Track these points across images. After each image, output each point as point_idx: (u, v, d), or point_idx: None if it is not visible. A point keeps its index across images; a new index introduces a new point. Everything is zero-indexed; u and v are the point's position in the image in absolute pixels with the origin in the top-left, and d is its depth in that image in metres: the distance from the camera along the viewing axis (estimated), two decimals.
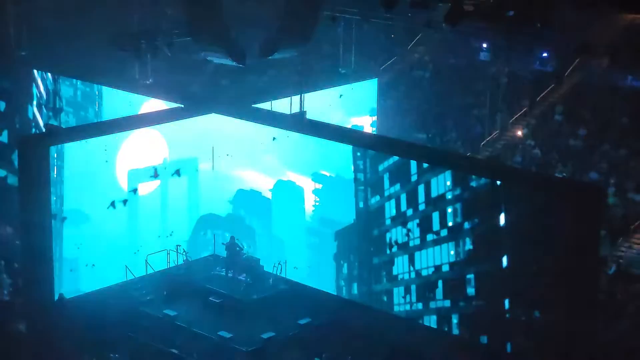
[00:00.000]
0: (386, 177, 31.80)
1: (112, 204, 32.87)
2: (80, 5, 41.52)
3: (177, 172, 35.29)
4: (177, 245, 34.20)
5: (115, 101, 37.75)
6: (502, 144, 41.22)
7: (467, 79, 43.17)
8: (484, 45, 43.25)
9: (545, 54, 42.02)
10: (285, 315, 31.46)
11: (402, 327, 30.66)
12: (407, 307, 31.26)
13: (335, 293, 33.19)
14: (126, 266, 32.53)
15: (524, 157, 39.74)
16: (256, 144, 34.98)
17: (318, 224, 33.90)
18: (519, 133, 41.19)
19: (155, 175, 34.60)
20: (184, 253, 34.30)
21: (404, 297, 31.30)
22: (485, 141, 41.21)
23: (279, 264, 33.52)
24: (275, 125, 33.83)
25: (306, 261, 33.88)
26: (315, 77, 39.77)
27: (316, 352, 29.70)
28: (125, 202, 33.32)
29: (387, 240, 31.63)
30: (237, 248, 33.78)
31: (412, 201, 30.86)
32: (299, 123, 33.64)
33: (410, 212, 30.99)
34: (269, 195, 35.32)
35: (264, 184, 35.28)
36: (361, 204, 32.44)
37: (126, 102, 37.33)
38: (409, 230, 30.74)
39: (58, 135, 32.50)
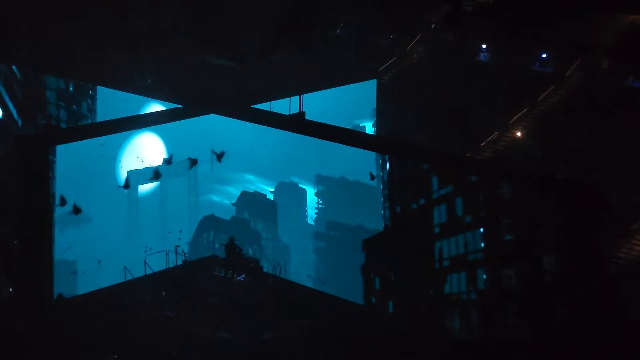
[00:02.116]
0: (434, 176, 28.22)
1: (126, 185, 32.44)
2: (80, 6, 41.48)
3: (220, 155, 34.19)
4: (176, 246, 34.10)
5: (110, 95, 37.45)
6: (502, 144, 41.13)
7: (467, 80, 43.08)
8: (484, 45, 43.21)
9: (545, 55, 41.97)
10: (284, 317, 31.34)
11: (402, 329, 30.52)
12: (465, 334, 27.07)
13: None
14: (125, 267, 32.44)
15: (524, 157, 39.64)
16: (256, 144, 34.89)
17: (325, 228, 33.03)
18: (519, 134, 41.11)
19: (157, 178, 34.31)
20: (183, 254, 34.19)
21: (461, 322, 27.34)
22: (485, 142, 41.13)
23: (278, 265, 33.40)
24: (275, 125, 33.72)
25: (315, 268, 33.19)
26: (315, 78, 39.70)
27: (316, 353, 29.59)
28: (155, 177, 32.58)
29: (437, 252, 27.88)
30: (236, 249, 33.68)
31: (472, 205, 26.89)
32: (298, 124, 33.57)
33: (469, 219, 27.10)
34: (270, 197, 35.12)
35: (265, 186, 35.06)
36: (398, 208, 29.37)
37: (121, 97, 36.93)
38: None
39: (58, 135, 32.44)
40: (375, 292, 30.42)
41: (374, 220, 31.83)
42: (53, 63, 41.08)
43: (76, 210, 31.63)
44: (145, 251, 32.99)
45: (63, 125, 40.67)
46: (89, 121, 39.70)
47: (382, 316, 30.28)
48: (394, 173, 30.05)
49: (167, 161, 34.99)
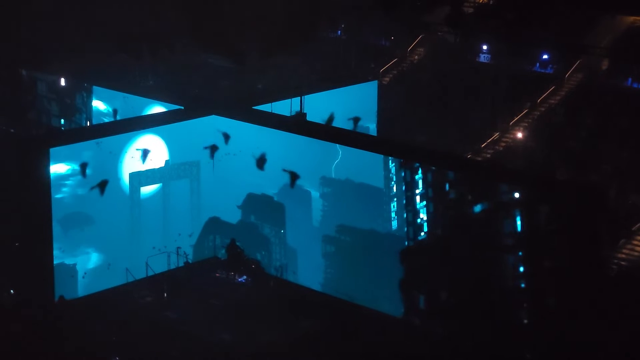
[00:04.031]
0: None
1: (145, 155, 32.10)
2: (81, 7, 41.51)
3: None
4: (177, 248, 34.11)
5: (105, 89, 37.17)
6: (502, 145, 41.20)
7: (468, 81, 43.13)
8: (484, 47, 43.28)
9: (545, 56, 42.05)
10: (286, 318, 31.33)
11: (403, 330, 30.50)
12: None
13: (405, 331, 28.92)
14: (127, 269, 32.48)
15: (524, 158, 39.68)
16: (258, 145, 34.73)
17: (335, 231, 32.45)
18: (520, 135, 41.18)
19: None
20: (185, 255, 34.20)
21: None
22: (486, 143, 41.19)
23: (280, 266, 33.41)
24: (276, 127, 33.72)
25: (323, 273, 32.59)
26: (316, 79, 39.74)
27: (317, 354, 29.59)
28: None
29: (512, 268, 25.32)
30: (238, 250, 33.71)
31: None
32: (299, 125, 33.61)
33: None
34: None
35: (268, 188, 34.70)
36: (429, 211, 27.66)
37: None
38: None
39: (59, 137, 32.49)
40: (419, 312, 28.39)
41: (385, 224, 31.46)
42: (53, 64, 41.10)
43: (103, 184, 31.40)
44: (159, 251, 32.97)
45: (55, 120, 40.29)
46: (84, 115, 39.29)
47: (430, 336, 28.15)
48: (434, 173, 28.16)
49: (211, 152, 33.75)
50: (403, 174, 29.91)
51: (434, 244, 28.18)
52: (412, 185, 29.52)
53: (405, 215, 29.90)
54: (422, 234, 29.21)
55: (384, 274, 30.70)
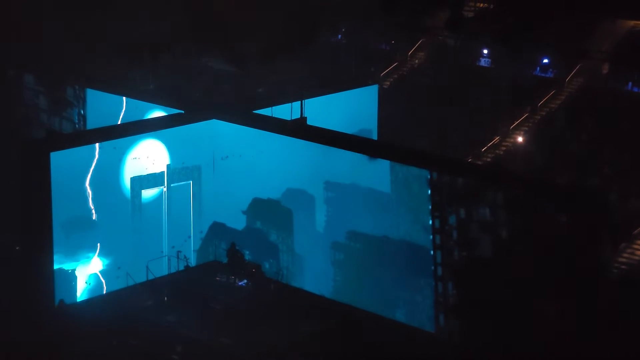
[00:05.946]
0: None
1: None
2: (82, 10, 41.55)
3: None
4: (177, 251, 34.11)
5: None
6: (503, 149, 41.25)
7: (468, 85, 43.20)
8: (485, 51, 43.34)
9: (546, 60, 42.10)
10: (286, 322, 31.32)
11: (403, 334, 30.49)
12: None
13: None
14: (127, 273, 32.49)
15: (525, 162, 39.73)
16: (260, 149, 34.72)
17: (345, 238, 31.98)
18: (520, 139, 41.22)
19: None
20: (185, 259, 34.19)
21: None
22: (486, 147, 41.23)
23: (280, 270, 33.37)
24: (276, 131, 33.75)
25: (332, 282, 32.19)
26: (316, 83, 39.78)
27: (317, 358, 29.58)
28: None
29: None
30: (238, 254, 33.69)
31: None
32: (300, 129, 33.62)
33: None
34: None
35: (271, 192, 34.55)
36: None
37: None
38: None
39: (60, 140, 32.54)
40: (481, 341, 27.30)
41: (393, 230, 31.09)
42: (53, 67, 41.11)
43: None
44: (171, 249, 32.84)
45: (43, 115, 39.94)
46: (75, 110, 38.92)
47: None
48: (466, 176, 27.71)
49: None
50: (429, 177, 29.20)
51: (470, 253, 27.87)
52: (440, 189, 28.92)
53: (430, 222, 29.12)
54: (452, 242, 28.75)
55: (399, 280, 30.47)
